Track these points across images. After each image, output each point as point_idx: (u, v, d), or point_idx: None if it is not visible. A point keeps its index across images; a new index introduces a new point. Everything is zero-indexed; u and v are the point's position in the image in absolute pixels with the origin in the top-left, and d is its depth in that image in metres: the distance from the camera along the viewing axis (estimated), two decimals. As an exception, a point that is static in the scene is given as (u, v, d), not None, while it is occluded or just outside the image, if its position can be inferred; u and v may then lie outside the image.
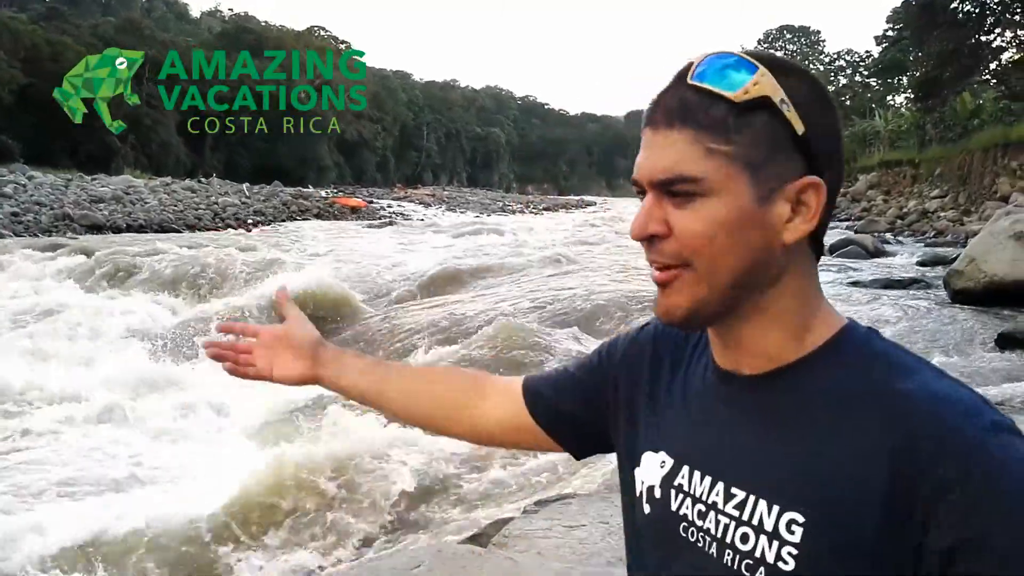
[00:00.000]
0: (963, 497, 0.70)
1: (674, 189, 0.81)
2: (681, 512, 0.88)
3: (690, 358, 0.97)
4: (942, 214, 22.14)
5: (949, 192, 23.71)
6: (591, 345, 8.24)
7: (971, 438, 0.72)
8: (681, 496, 0.89)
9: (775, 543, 0.78)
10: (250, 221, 32.22)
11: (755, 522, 0.80)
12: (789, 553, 0.77)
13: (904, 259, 15.69)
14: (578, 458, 1.17)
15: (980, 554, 0.70)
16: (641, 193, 0.85)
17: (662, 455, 0.93)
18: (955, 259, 11.42)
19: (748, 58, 0.81)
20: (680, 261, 0.82)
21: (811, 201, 0.81)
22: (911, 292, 11.16)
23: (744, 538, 0.80)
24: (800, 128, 0.79)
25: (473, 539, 3.77)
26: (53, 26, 51.77)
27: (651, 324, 1.06)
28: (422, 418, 1.24)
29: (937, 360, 7.30)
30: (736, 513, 0.82)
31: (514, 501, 4.77)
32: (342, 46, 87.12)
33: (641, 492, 0.95)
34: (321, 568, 4.30)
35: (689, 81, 0.81)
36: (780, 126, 0.80)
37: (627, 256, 16.71)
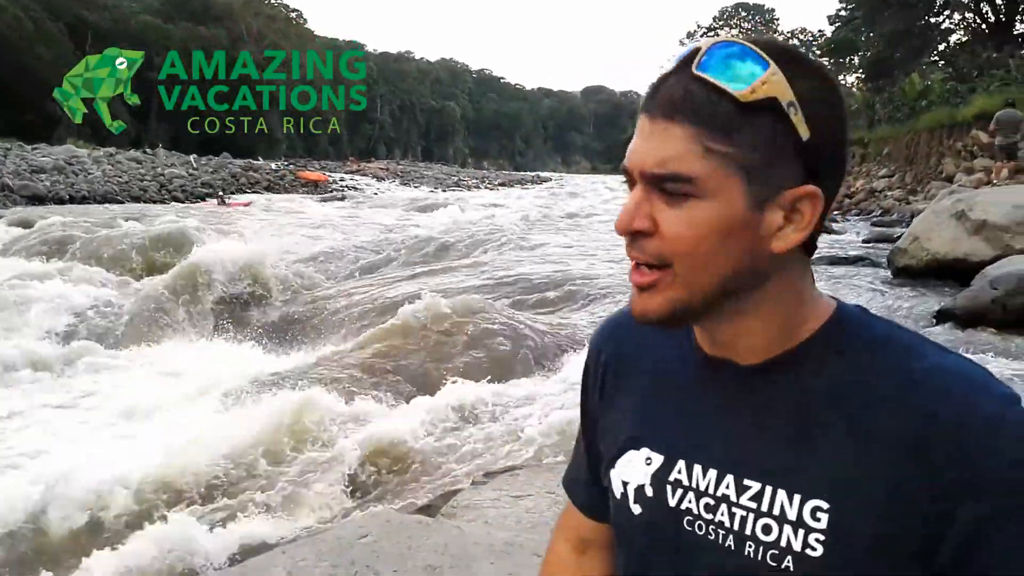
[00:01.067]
0: (986, 472, 0.71)
1: (666, 187, 0.76)
2: (683, 507, 0.86)
3: (646, 347, 0.95)
4: (889, 193, 22.55)
5: (896, 172, 24.15)
6: (536, 318, 8.28)
7: (989, 415, 0.72)
8: (681, 491, 0.86)
9: (801, 531, 0.77)
10: (229, 193, 30.93)
11: (776, 512, 0.79)
12: (816, 540, 0.76)
13: (851, 237, 15.99)
14: None
15: (1006, 525, 0.71)
16: (630, 182, 0.80)
17: (645, 452, 0.90)
18: (900, 237, 11.67)
19: (759, 51, 0.75)
20: (661, 261, 0.78)
21: (806, 211, 0.78)
22: (856, 269, 11.39)
23: (766, 529, 0.79)
24: (805, 134, 0.75)
25: (422, 510, 3.78)
26: (-10, -9, 49.91)
27: (596, 331, 1.04)
28: None
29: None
30: (754, 505, 0.80)
31: (463, 473, 4.78)
32: (293, 14, 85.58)
33: (625, 493, 0.91)
34: (269, 539, 4.27)
35: (694, 71, 0.76)
36: (784, 131, 0.75)
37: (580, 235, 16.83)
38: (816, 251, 0.84)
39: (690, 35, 62.47)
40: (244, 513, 4.56)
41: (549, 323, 8.27)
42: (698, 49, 0.77)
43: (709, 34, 63.23)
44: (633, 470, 0.90)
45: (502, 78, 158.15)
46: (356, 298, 9.86)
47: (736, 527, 0.81)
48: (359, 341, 7.79)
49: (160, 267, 11.98)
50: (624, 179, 0.81)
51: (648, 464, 0.89)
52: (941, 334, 7.45)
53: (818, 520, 0.76)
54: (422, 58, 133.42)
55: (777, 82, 0.74)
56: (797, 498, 0.77)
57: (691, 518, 0.85)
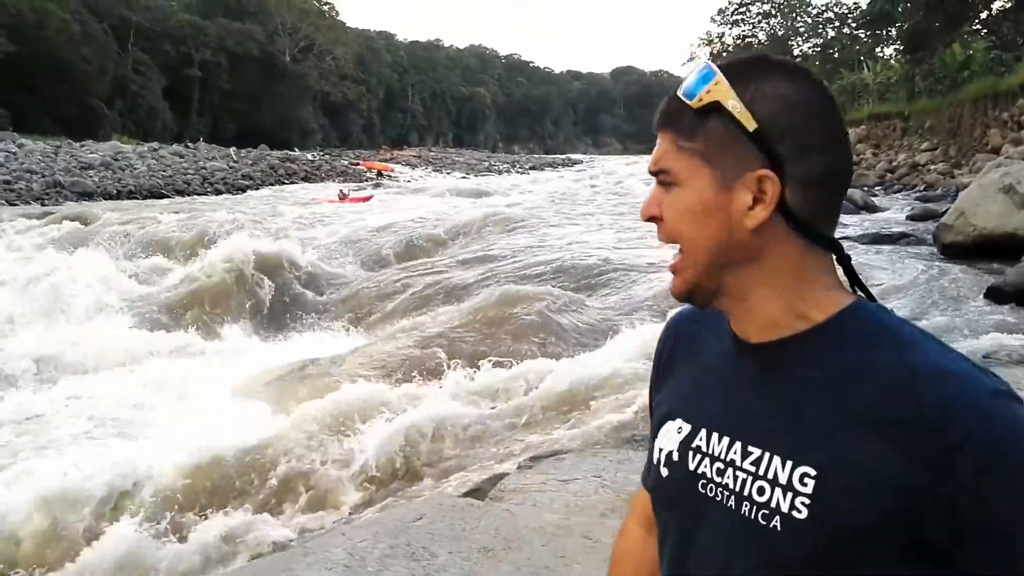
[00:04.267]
0: (967, 460, 0.78)
1: (660, 179, 0.95)
2: (700, 471, 0.96)
3: (703, 332, 1.07)
4: (932, 167, 22.10)
5: (939, 145, 23.62)
6: (581, 303, 8.30)
7: (974, 405, 0.80)
8: (699, 456, 0.96)
9: (789, 494, 0.86)
10: (345, 190, 27.55)
11: (770, 476, 0.88)
12: (802, 503, 0.85)
13: (894, 213, 15.73)
14: None
15: (983, 512, 0.78)
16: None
17: (679, 422, 1.01)
18: (945, 213, 11.47)
19: (712, 68, 0.93)
20: (670, 241, 0.95)
21: (767, 190, 0.90)
22: (901, 247, 11.23)
23: (760, 491, 0.88)
24: (752, 125, 0.89)
25: (470, 493, 3.84)
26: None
27: (665, 323, 1.18)
28: None
29: (928, 314, 7.38)
30: (753, 469, 0.90)
31: (508, 457, 4.84)
32: (325, 7, 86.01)
33: (659, 459, 1.02)
34: (325, 521, 4.38)
35: (676, 93, 0.95)
36: (733, 125, 0.90)
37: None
38: (843, 243, 0.95)
39: (721, 12, 61.50)
40: (299, 495, 4.68)
41: (594, 307, 8.29)
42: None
43: (740, 10, 62.03)
44: (668, 439, 1.01)
45: (531, 62, 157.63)
46: (401, 285, 9.97)
47: (737, 488, 0.91)
48: (403, 328, 7.90)
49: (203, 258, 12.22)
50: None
51: (679, 432, 1.00)
52: (992, 312, 7.34)
53: (805, 485, 0.85)
54: (451, 45, 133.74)
55: (719, 89, 0.91)
56: (789, 464, 0.87)
57: (705, 481, 0.95)
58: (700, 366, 1.04)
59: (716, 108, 0.91)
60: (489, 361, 6.57)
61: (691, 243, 0.93)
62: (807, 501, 0.84)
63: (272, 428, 5.26)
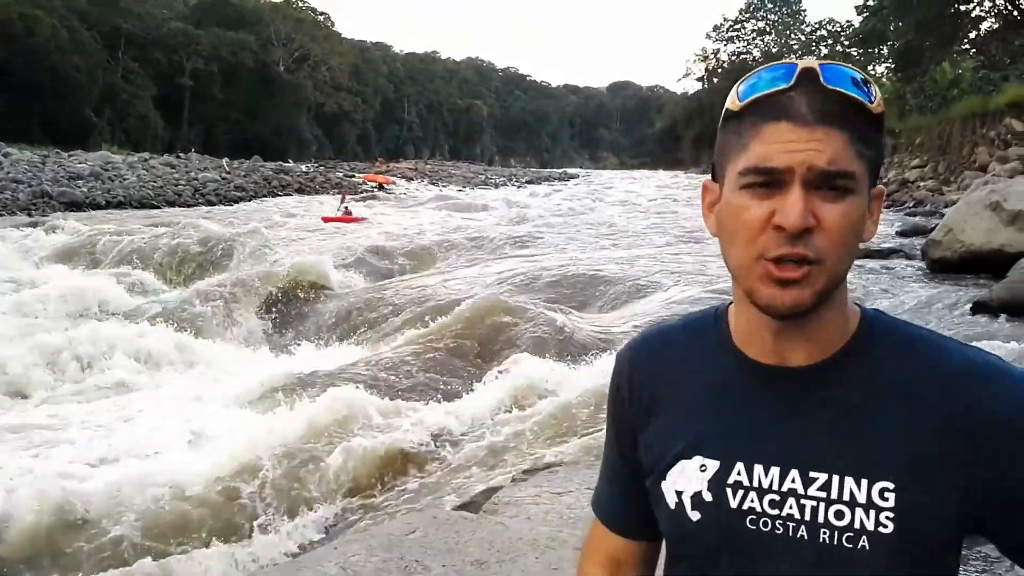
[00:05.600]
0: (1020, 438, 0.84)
1: (836, 183, 0.83)
2: (745, 507, 0.91)
3: (676, 362, 1.01)
4: (922, 184, 22.34)
5: (929, 162, 23.90)
6: (577, 316, 8.34)
7: (1018, 391, 0.86)
8: (742, 492, 0.91)
9: (872, 512, 0.86)
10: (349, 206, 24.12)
11: (846, 498, 0.86)
12: (887, 517, 0.85)
13: (883, 228, 15.83)
14: None
15: None
16: (775, 183, 0.84)
17: (698, 459, 0.94)
18: (934, 229, 11.57)
19: (862, 73, 0.87)
20: (818, 255, 0.84)
21: (876, 207, 0.91)
22: (890, 262, 11.32)
23: (839, 515, 0.86)
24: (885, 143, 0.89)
25: (464, 507, 3.86)
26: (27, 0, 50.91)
27: (628, 350, 1.08)
28: None
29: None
30: (823, 494, 0.87)
31: (502, 470, 4.86)
32: (321, 17, 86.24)
33: (680, 502, 0.95)
34: (318, 535, 4.39)
35: (828, 86, 0.84)
36: (881, 137, 0.88)
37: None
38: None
39: (716, 28, 62.16)
40: (291, 510, 4.68)
41: (589, 321, 8.33)
42: (809, 67, 0.86)
43: (735, 27, 62.77)
44: (687, 478, 0.94)
45: (528, 76, 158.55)
46: (394, 299, 9.99)
47: (808, 517, 0.88)
48: (396, 342, 7.91)
49: (210, 271, 12.23)
50: (759, 180, 0.85)
51: (703, 471, 0.93)
52: (978, 326, 7.40)
53: (886, 500, 0.85)
54: (448, 58, 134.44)
55: (883, 101, 0.88)
56: (864, 483, 0.86)
57: (755, 516, 0.90)
58: (701, 399, 0.97)
59: (882, 119, 0.87)
60: (483, 375, 6.59)
61: (842, 256, 0.86)
62: (891, 515, 0.85)
63: (265, 441, 5.25)
